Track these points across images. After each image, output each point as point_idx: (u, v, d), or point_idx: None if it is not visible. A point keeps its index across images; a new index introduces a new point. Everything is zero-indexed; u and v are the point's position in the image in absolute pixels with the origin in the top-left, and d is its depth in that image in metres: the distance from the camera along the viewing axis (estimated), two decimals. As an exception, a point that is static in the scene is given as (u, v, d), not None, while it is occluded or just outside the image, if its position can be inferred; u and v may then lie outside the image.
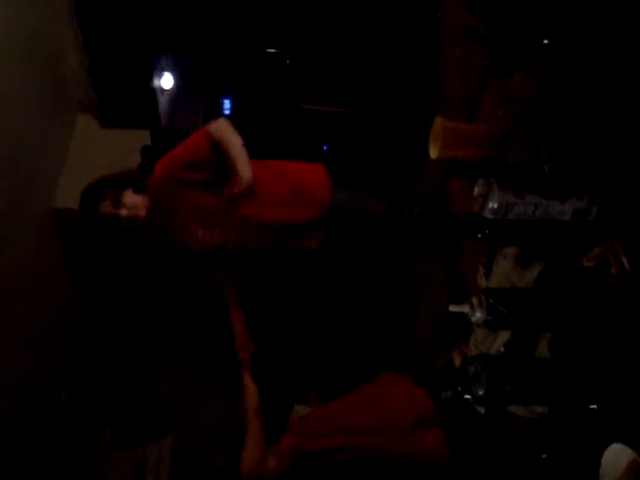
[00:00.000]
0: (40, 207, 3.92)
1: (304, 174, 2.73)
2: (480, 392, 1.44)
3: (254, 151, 2.53)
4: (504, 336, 1.75)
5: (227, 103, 3.46)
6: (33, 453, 3.88)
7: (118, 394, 4.46)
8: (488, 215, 1.45)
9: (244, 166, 2.48)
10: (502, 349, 1.71)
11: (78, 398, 4.38)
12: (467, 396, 1.45)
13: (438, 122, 1.94)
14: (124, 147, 4.02)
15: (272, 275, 3.60)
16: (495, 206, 1.43)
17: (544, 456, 1.59)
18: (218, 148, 2.48)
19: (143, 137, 3.79)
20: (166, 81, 3.37)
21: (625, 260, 1.35)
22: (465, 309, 1.50)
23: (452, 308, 1.54)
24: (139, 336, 4.70)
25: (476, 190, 1.48)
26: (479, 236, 1.64)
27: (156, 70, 3.31)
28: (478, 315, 1.46)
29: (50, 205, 3.98)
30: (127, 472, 4.34)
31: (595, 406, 1.42)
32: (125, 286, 4.54)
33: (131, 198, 2.47)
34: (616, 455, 1.23)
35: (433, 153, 1.94)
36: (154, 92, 3.30)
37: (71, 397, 4.33)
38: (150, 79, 3.27)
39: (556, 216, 1.45)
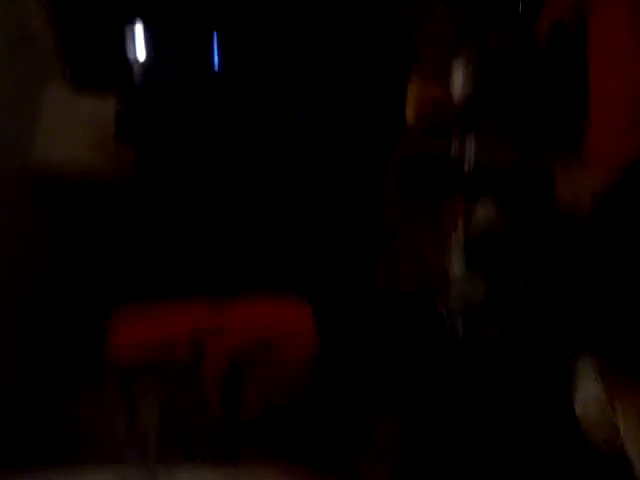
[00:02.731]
0: (13, 176, 3.88)
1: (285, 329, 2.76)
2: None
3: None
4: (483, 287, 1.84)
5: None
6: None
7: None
8: None
9: None
10: (482, 299, 1.81)
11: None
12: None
13: (414, 87, 2.00)
14: (97, 112, 3.99)
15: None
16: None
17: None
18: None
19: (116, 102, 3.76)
20: (139, 45, 3.34)
21: None
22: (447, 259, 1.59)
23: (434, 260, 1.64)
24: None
25: None
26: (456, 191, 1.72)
27: (128, 34, 3.29)
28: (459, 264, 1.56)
29: (24, 174, 3.94)
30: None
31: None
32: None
33: None
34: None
35: (410, 118, 2.01)
36: (127, 56, 3.28)
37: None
38: (123, 43, 3.26)
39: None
